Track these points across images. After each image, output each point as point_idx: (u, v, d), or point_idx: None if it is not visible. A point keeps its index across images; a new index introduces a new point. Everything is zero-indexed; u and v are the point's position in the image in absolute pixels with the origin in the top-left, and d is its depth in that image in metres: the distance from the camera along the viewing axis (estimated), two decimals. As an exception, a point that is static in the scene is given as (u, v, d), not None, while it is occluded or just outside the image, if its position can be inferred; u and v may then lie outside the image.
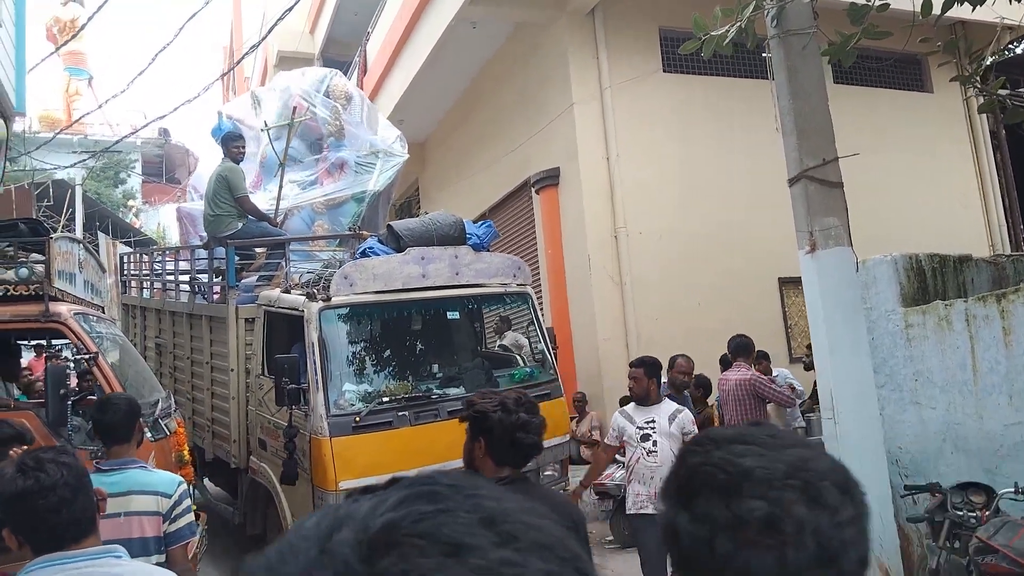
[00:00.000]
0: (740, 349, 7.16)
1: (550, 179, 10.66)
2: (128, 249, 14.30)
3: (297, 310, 6.06)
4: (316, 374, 5.73)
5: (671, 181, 10.37)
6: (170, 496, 3.49)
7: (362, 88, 13.43)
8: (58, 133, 14.47)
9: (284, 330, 6.54)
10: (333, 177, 8.67)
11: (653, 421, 5.30)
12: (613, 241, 10.14)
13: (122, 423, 3.63)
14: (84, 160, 13.67)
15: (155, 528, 3.43)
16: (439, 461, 5.85)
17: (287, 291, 6.53)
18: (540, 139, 11.05)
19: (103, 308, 8.37)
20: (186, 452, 6.56)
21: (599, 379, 9.97)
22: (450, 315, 6.62)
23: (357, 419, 5.66)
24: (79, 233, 21.26)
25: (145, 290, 10.89)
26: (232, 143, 8.35)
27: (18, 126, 26.49)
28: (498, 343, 8.59)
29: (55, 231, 7.69)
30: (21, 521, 2.03)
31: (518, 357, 7.30)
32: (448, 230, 6.35)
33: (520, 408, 2.73)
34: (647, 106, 10.44)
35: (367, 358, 6.17)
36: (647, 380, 5.46)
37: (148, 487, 3.48)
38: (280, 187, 8.32)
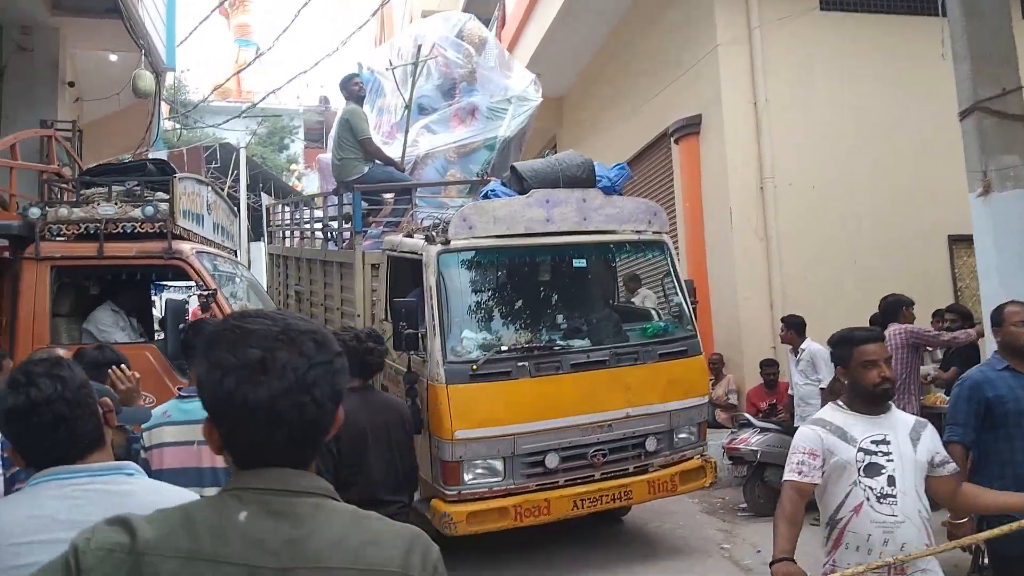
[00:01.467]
0: (887, 315, 6.33)
1: (691, 127, 9.87)
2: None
3: (416, 254, 5.73)
4: (434, 319, 5.41)
5: (827, 128, 9.37)
6: None
7: (500, 42, 12.97)
8: (209, 95, 14.91)
9: (406, 275, 6.25)
10: (464, 123, 8.24)
11: (886, 440, 2.89)
12: (759, 193, 9.29)
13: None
14: (231, 119, 13.94)
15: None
16: (560, 415, 5.44)
17: (410, 235, 6.22)
18: (681, 85, 10.25)
19: (236, 251, 8.42)
20: None
21: (738, 340, 9.22)
22: (576, 263, 6.08)
23: (474, 367, 5.30)
24: (243, 193, 22.23)
25: (287, 239, 10.98)
26: (350, 82, 8.11)
27: (195, 96, 27.99)
28: (628, 300, 8.00)
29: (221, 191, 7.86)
30: (17, 439, 1.83)
31: (652, 311, 6.69)
32: (576, 171, 5.80)
33: (369, 339, 3.97)
34: (802, 47, 9.45)
35: (487, 305, 5.79)
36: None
37: None
38: (406, 131, 7.98)
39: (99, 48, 10.44)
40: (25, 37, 9.60)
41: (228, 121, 13.88)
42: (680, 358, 5.90)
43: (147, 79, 9.49)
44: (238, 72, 14.82)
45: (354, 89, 8.09)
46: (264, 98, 12.75)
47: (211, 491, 2.92)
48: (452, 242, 5.54)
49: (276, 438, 1.20)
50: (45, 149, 7.95)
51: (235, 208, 8.75)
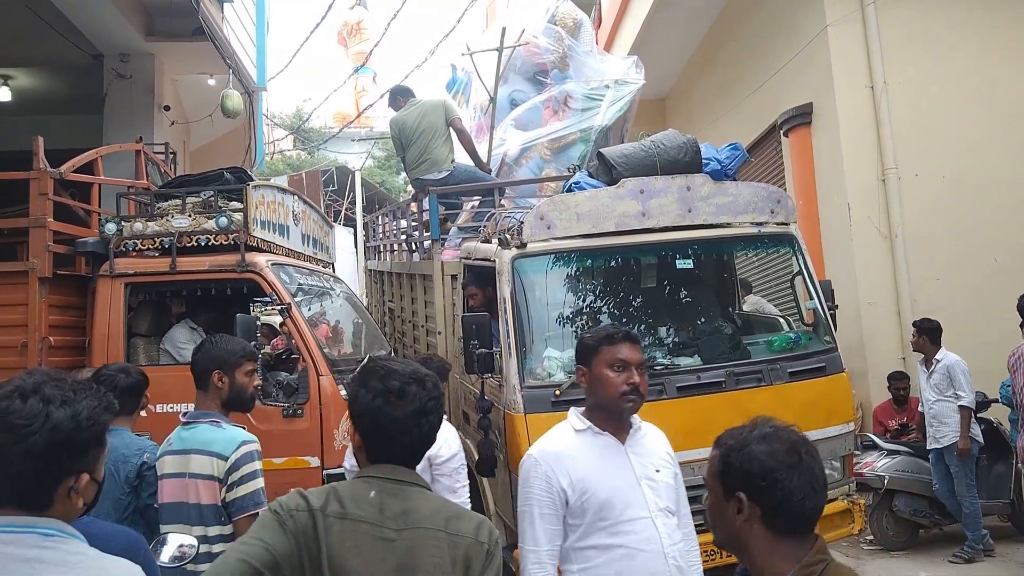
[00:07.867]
0: None
1: (801, 117, 8.32)
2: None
3: (489, 260, 4.53)
4: (508, 336, 4.19)
5: (957, 111, 7.69)
6: (226, 458, 2.79)
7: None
8: (297, 129, 14.21)
9: (483, 285, 5.05)
10: (557, 115, 6.90)
11: None
12: (880, 186, 7.68)
13: (196, 366, 3.00)
14: (327, 141, 13.19)
15: (211, 495, 2.79)
16: (665, 449, 4.08)
17: (486, 240, 5.02)
18: (789, 73, 8.70)
19: (332, 265, 7.53)
20: None
21: (861, 351, 7.58)
22: (680, 264, 4.68)
23: (558, 392, 4.04)
24: (359, 214, 21.77)
25: (381, 254, 10.01)
26: (397, 97, 7.10)
27: (316, 122, 27.95)
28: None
29: (339, 213, 7.07)
30: None
31: (781, 319, 5.22)
32: (676, 154, 4.44)
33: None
34: (925, 22, 7.81)
35: (572, 318, 4.50)
36: None
37: (207, 446, 2.82)
38: (492, 125, 6.73)
39: (195, 72, 9.89)
40: (123, 64, 9.10)
41: (327, 142, 13.15)
42: (817, 376, 4.46)
43: (235, 98, 8.79)
44: (371, 105, 13.79)
45: (400, 102, 7.04)
46: (357, 118, 11.95)
47: (198, 530, 2.74)
48: (528, 245, 4.31)
49: (403, 444, 1.75)
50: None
51: (330, 220, 7.78)
